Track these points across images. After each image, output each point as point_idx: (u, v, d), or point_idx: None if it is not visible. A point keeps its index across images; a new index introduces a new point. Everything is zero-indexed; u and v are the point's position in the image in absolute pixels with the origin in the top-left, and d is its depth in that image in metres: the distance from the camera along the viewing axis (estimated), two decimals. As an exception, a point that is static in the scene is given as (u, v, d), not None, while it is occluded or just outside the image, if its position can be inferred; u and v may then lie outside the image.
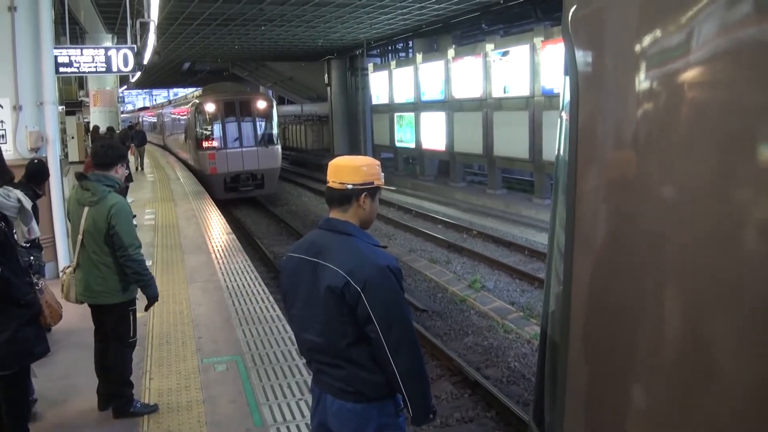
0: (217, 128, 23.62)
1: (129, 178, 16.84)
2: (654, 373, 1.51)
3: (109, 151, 5.05)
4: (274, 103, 25.08)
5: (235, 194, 23.42)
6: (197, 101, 24.74)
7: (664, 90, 1.47)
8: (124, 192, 15.83)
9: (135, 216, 5.10)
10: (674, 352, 1.45)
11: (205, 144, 23.50)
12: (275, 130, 24.77)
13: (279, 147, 24.80)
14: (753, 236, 1.29)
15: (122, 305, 4.98)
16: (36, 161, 6.90)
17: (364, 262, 2.68)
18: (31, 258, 5.11)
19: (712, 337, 1.37)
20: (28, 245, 5.39)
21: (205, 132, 23.73)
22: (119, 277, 4.88)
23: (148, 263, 9.75)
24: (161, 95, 79.69)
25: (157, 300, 5.16)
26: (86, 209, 4.85)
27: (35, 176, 6.55)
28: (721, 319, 1.34)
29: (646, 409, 1.55)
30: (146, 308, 5.16)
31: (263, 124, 24.32)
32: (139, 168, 24.74)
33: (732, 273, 1.30)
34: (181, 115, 29.53)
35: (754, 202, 1.28)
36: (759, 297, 1.25)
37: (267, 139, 24.20)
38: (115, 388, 5.11)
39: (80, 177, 5.01)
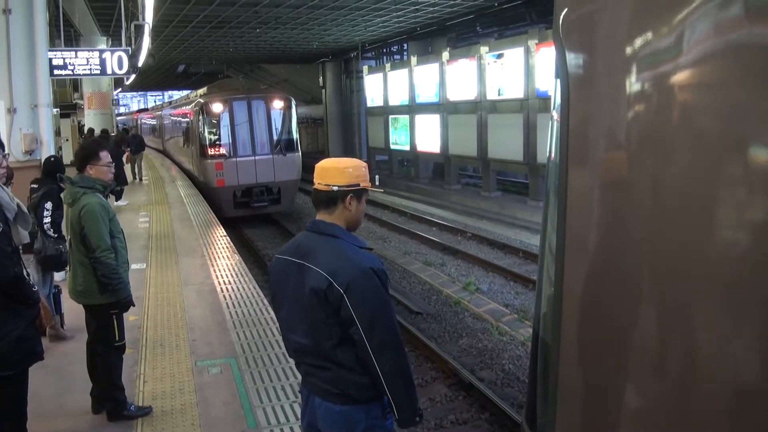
0: (225, 132, 20.01)
1: (123, 181, 16.92)
2: (645, 374, 1.51)
3: (79, 153, 5.07)
4: (293, 103, 21.16)
5: (246, 211, 19.93)
6: (201, 100, 21.07)
7: (654, 92, 1.48)
8: (118, 195, 15.79)
9: (113, 217, 4.99)
10: (665, 353, 1.46)
11: (211, 151, 19.85)
12: (295, 135, 20.87)
13: (299, 155, 20.92)
14: (743, 236, 1.30)
15: (103, 307, 4.94)
16: (52, 158, 7.17)
17: (348, 263, 2.68)
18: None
19: (703, 337, 1.37)
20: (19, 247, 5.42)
21: (210, 137, 20.11)
22: (96, 278, 4.86)
23: (142, 266, 9.85)
24: (156, 98, 79.54)
25: (131, 305, 5.07)
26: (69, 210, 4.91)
27: (55, 172, 6.75)
28: (712, 320, 1.34)
29: (637, 411, 1.56)
30: (118, 313, 5.02)
31: (280, 127, 20.54)
32: (138, 178, 22.09)
33: (723, 273, 1.31)
34: (183, 117, 25.64)
35: (744, 202, 1.28)
36: (751, 297, 1.26)
37: (285, 146, 20.26)
38: (105, 391, 5.09)
39: (60, 180, 5.04)
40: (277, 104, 20.41)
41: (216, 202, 18.71)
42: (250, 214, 20.03)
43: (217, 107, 19.96)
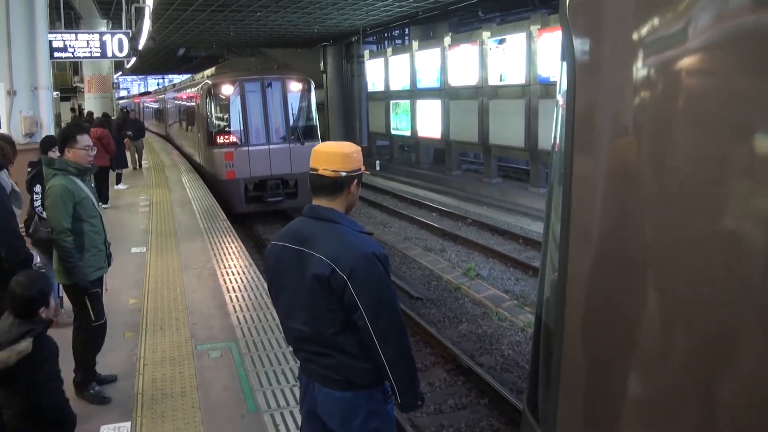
0: (235, 118, 17.62)
1: (123, 164, 16.86)
2: (648, 361, 1.51)
3: (59, 135, 5.15)
4: (312, 85, 18.71)
5: (259, 206, 17.58)
6: (209, 81, 18.63)
7: (661, 78, 1.47)
8: (118, 178, 15.74)
9: (83, 198, 4.94)
10: (668, 340, 1.45)
11: (220, 139, 17.60)
12: (314, 121, 18.52)
13: (319, 143, 18.46)
14: (749, 225, 1.29)
15: (73, 287, 4.99)
16: (46, 137, 7.15)
17: (350, 249, 2.66)
18: None
19: (706, 325, 1.37)
20: None
21: (219, 123, 17.94)
22: None
23: (142, 249, 9.86)
24: (158, 81, 79.33)
25: (88, 290, 5.00)
26: None
27: (46, 150, 6.74)
28: (716, 308, 1.34)
29: (639, 397, 1.55)
30: (91, 294, 5.02)
31: (298, 112, 18.20)
32: (138, 166, 20.64)
33: (728, 262, 1.30)
34: (188, 101, 22.93)
35: (749, 191, 1.27)
36: (755, 286, 1.25)
37: (303, 133, 17.82)
38: (76, 364, 5.12)
39: (44, 161, 5.10)
40: (295, 86, 18.14)
41: (225, 197, 16.85)
42: (263, 209, 17.78)
43: (226, 89, 17.71)
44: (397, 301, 2.78)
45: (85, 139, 5.02)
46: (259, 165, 17.33)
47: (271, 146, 17.49)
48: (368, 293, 2.62)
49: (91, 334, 5.14)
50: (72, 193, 4.87)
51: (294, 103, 18.12)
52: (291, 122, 17.94)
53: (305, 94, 18.29)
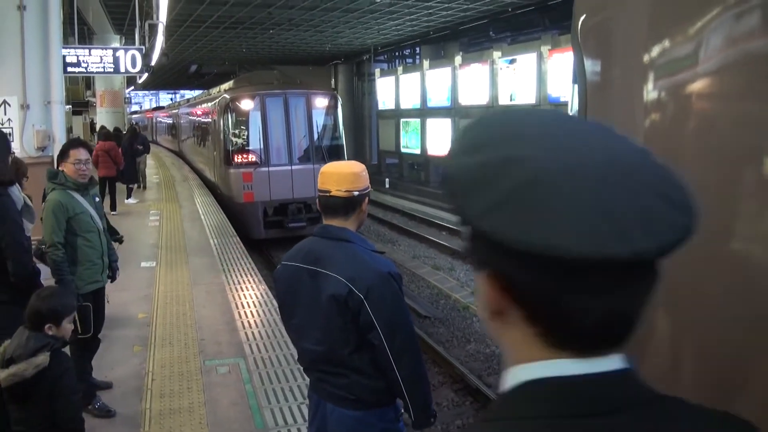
0: (255, 135, 16.10)
1: (133, 179, 16.91)
2: (656, 381, 1.50)
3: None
4: (339, 101, 17.35)
5: (278, 232, 15.90)
6: (227, 96, 16.94)
7: (672, 100, 1.48)
8: (128, 193, 15.72)
9: (77, 214, 4.99)
10: (677, 361, 1.45)
11: (238, 158, 16.05)
12: (341, 140, 16.88)
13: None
14: (759, 247, 1.29)
15: None
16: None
17: (366, 269, 2.66)
18: None
19: (718, 347, 1.37)
20: None
21: (237, 141, 16.29)
22: None
23: (152, 264, 9.89)
24: (170, 96, 79.80)
25: (71, 306, 4.98)
26: None
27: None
28: (727, 330, 1.34)
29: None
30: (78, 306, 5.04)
31: (323, 130, 16.69)
32: (141, 186, 19.17)
33: (737, 285, 1.30)
34: (204, 117, 21.25)
35: (761, 213, 1.28)
36: (764, 304, 1.25)
37: (328, 153, 15.99)
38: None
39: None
40: (320, 102, 16.60)
41: (241, 221, 15.54)
42: (283, 236, 15.73)
43: (246, 103, 16.15)
44: (411, 320, 2.78)
45: (77, 153, 5.04)
46: (280, 187, 15.86)
47: (294, 167, 16.00)
48: (384, 312, 2.62)
49: (86, 347, 5.17)
50: (66, 208, 4.95)
51: (319, 120, 16.62)
52: (316, 141, 16.45)
53: (331, 111, 16.82)
